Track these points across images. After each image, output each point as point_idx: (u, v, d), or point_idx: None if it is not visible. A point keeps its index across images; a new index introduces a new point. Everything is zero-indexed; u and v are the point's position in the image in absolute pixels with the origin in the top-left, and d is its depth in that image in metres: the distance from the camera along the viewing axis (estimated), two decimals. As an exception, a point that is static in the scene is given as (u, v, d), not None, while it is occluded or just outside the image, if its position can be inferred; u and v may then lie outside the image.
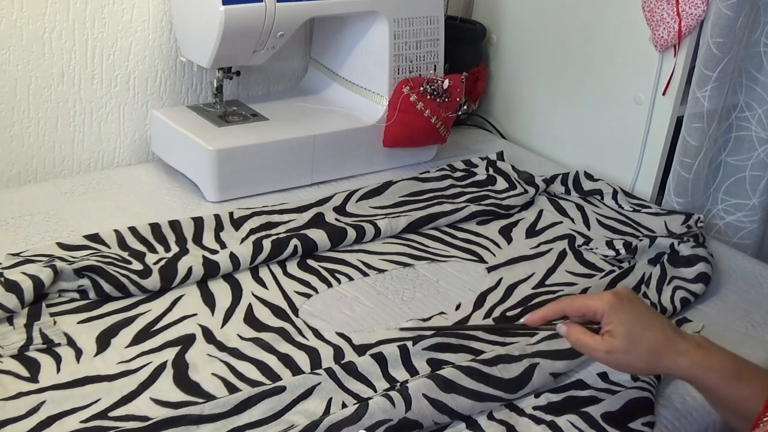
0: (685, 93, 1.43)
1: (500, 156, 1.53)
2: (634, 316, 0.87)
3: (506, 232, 1.33)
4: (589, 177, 1.48)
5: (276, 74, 1.56)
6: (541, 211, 1.40)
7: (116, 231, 1.16)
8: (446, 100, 1.45)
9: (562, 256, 1.28)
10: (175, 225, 1.20)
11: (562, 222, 1.38)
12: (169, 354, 0.97)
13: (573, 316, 0.90)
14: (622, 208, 1.43)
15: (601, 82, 1.54)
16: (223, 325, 1.04)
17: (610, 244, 1.29)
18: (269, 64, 1.49)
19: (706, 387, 0.88)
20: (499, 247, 1.29)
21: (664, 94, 1.44)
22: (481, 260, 1.25)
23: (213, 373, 0.95)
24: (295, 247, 1.18)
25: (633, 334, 0.86)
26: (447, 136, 1.50)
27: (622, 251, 1.27)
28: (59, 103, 1.35)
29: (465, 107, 1.51)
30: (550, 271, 1.24)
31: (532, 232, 1.34)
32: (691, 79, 1.40)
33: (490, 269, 1.23)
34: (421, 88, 1.43)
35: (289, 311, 1.08)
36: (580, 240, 1.32)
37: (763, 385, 0.86)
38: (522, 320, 0.95)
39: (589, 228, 1.37)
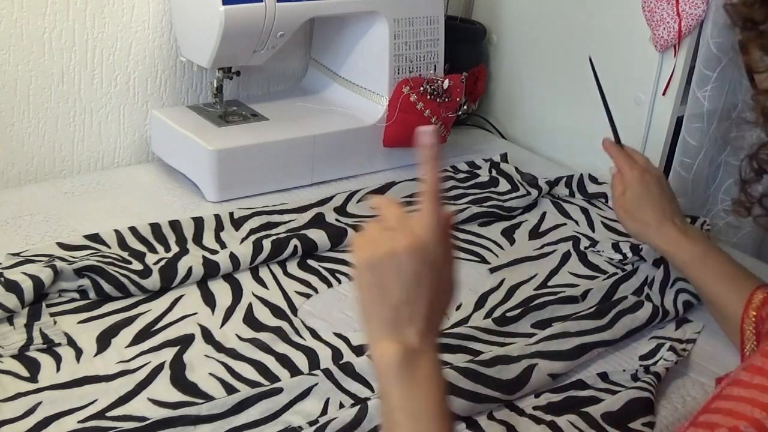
0: (685, 93, 1.43)
1: (504, 158, 1.53)
2: (645, 191, 1.14)
3: (509, 234, 1.33)
4: (594, 180, 1.48)
5: (276, 74, 1.57)
6: (544, 213, 1.40)
7: (116, 231, 1.16)
8: (446, 100, 1.45)
9: (565, 257, 1.28)
10: (175, 225, 1.20)
11: (565, 224, 1.38)
12: (168, 354, 0.97)
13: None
14: None
15: (601, 82, 1.53)
16: (222, 325, 1.04)
17: (616, 246, 1.29)
18: (269, 64, 1.49)
19: (676, 264, 1.12)
20: (502, 248, 1.29)
21: (664, 94, 1.44)
22: (484, 261, 1.25)
23: (210, 374, 0.95)
24: (295, 247, 1.18)
25: (636, 203, 1.14)
26: (447, 136, 1.50)
27: (629, 254, 1.27)
28: (59, 103, 1.35)
29: (465, 107, 1.51)
30: (553, 273, 1.24)
31: (535, 233, 1.34)
32: (691, 79, 1.40)
33: (492, 270, 1.23)
34: (421, 88, 1.43)
35: (288, 311, 1.08)
36: (583, 242, 1.32)
37: (723, 269, 1.06)
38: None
39: (593, 230, 1.37)
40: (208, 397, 0.91)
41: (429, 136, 0.72)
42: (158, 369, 0.95)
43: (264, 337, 1.02)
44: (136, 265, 1.10)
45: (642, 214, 1.14)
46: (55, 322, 0.99)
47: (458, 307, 1.13)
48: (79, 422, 0.86)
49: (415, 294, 0.69)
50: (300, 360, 0.99)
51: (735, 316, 1.01)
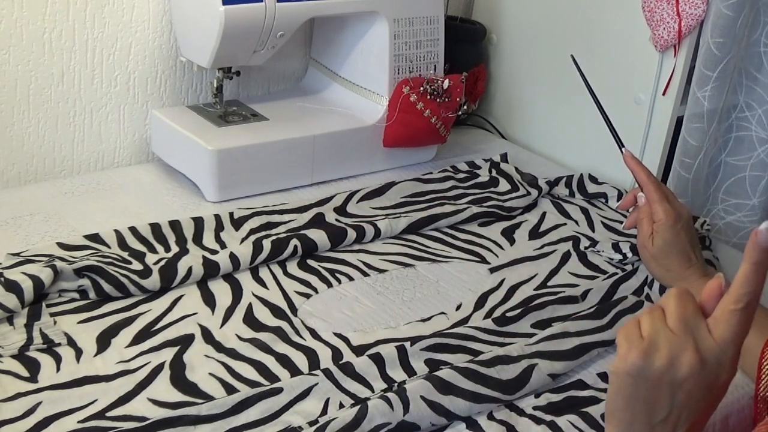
0: (685, 93, 1.43)
1: (504, 158, 1.53)
2: (676, 240, 1.11)
3: (509, 234, 1.33)
4: (594, 180, 1.48)
5: (276, 74, 1.57)
6: (544, 213, 1.40)
7: (116, 231, 1.16)
8: (446, 100, 1.45)
9: (565, 257, 1.28)
10: (175, 225, 1.20)
11: (565, 224, 1.37)
12: (168, 354, 0.97)
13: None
14: (627, 211, 1.43)
15: (601, 82, 1.53)
16: (222, 325, 1.04)
17: (616, 246, 1.29)
18: (269, 64, 1.49)
19: None
20: (502, 248, 1.29)
21: (664, 94, 1.44)
22: (483, 261, 1.25)
23: (210, 374, 0.95)
24: (295, 247, 1.18)
25: (665, 251, 1.11)
26: (447, 136, 1.50)
27: (629, 254, 1.27)
28: (59, 103, 1.35)
29: (465, 107, 1.51)
30: (553, 273, 1.24)
31: (535, 233, 1.34)
32: (691, 79, 1.40)
33: (492, 270, 1.23)
34: (421, 88, 1.43)
35: (288, 311, 1.08)
36: (584, 242, 1.32)
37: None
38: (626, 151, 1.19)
39: (593, 230, 1.37)
40: (208, 397, 0.91)
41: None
42: (158, 369, 0.95)
43: (264, 337, 1.02)
44: (136, 265, 1.10)
45: (668, 261, 1.13)
46: (55, 322, 0.99)
47: (458, 307, 1.13)
48: (79, 422, 0.86)
49: (682, 416, 0.59)
50: (300, 360, 0.99)
51: (754, 350, 0.89)
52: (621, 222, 1.39)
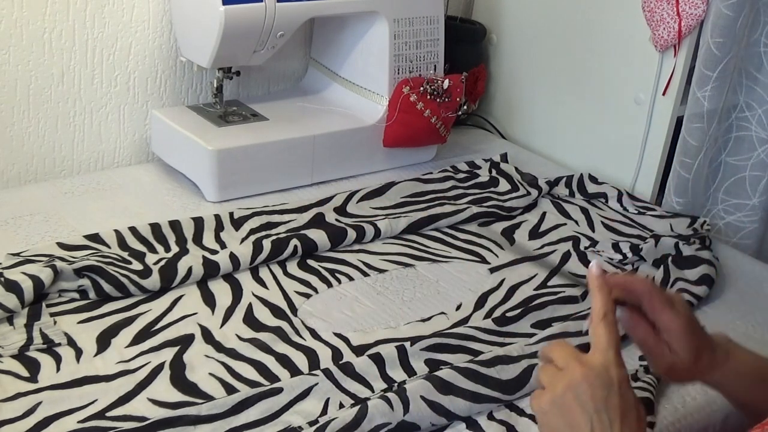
0: (685, 93, 1.43)
1: (504, 158, 1.53)
2: (697, 340, 0.82)
3: (509, 234, 1.33)
4: (594, 180, 1.48)
5: (276, 74, 1.57)
6: (544, 214, 1.40)
7: (116, 231, 1.16)
8: (446, 100, 1.45)
9: (565, 257, 1.28)
10: (175, 225, 1.20)
11: (565, 224, 1.37)
12: (168, 354, 0.97)
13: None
14: (627, 211, 1.43)
15: (601, 82, 1.54)
16: (222, 325, 1.04)
17: (616, 246, 1.29)
18: (269, 64, 1.49)
19: (732, 394, 0.86)
20: (502, 248, 1.29)
21: (664, 94, 1.44)
22: (483, 261, 1.25)
23: (210, 374, 0.95)
24: (295, 247, 1.18)
25: (692, 356, 0.82)
26: (447, 136, 1.50)
27: (629, 254, 1.27)
28: (59, 103, 1.35)
29: (465, 107, 1.51)
30: (553, 273, 1.24)
31: (535, 233, 1.34)
32: (691, 79, 1.40)
33: (492, 270, 1.23)
34: (421, 88, 1.43)
35: (288, 311, 1.08)
36: (583, 242, 1.32)
37: (755, 365, 0.85)
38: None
39: (593, 230, 1.36)
40: (208, 397, 0.91)
41: (597, 267, 0.74)
42: (158, 369, 0.95)
43: (264, 337, 1.02)
44: (136, 265, 1.10)
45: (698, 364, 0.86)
46: (55, 322, 0.99)
47: (458, 307, 1.13)
48: (79, 422, 0.86)
49: (604, 419, 0.67)
50: (300, 360, 0.99)
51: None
52: (620, 222, 1.39)
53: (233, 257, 1.14)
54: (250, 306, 1.08)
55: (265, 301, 1.09)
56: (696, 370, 0.83)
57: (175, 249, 1.17)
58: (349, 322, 1.08)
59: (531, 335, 1.05)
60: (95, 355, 0.96)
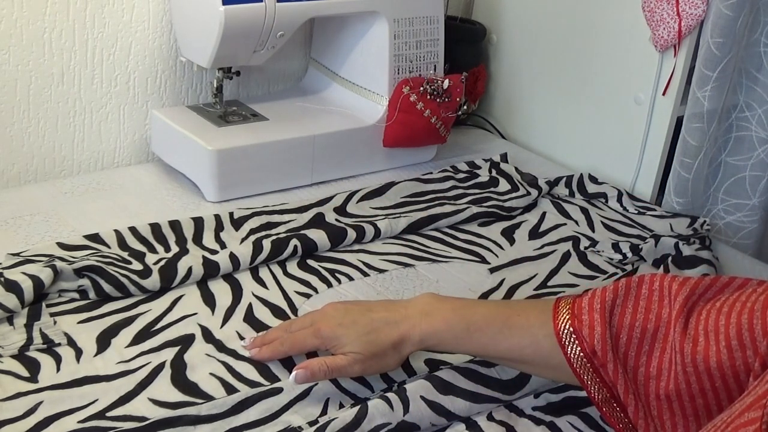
0: (685, 93, 1.43)
1: (504, 158, 1.53)
2: (352, 324, 0.91)
3: (509, 234, 1.33)
4: (594, 180, 1.48)
5: (276, 74, 1.57)
6: (544, 213, 1.40)
7: (116, 231, 1.16)
8: (446, 100, 1.45)
9: (565, 257, 1.28)
10: (175, 225, 1.20)
11: (565, 224, 1.38)
12: (168, 354, 0.97)
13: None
14: (627, 211, 1.43)
15: (601, 82, 1.54)
16: (222, 325, 1.04)
17: (616, 246, 1.29)
18: (269, 64, 1.49)
19: (445, 349, 0.94)
20: (502, 248, 1.29)
21: (664, 94, 1.44)
22: (483, 261, 1.25)
23: (211, 373, 0.95)
24: (295, 247, 1.18)
25: (363, 339, 0.90)
26: (447, 136, 1.50)
27: (629, 254, 1.27)
28: (59, 103, 1.35)
29: (465, 107, 1.51)
30: (553, 273, 1.24)
31: (535, 233, 1.34)
32: (691, 79, 1.40)
33: (492, 270, 1.23)
34: (421, 88, 1.43)
35: (288, 311, 1.08)
36: (583, 242, 1.32)
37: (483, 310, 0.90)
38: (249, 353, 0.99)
39: (593, 230, 1.37)
40: (208, 397, 0.91)
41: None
42: (158, 369, 0.95)
43: (264, 337, 1.02)
44: (136, 265, 1.10)
45: (379, 339, 0.91)
46: (55, 322, 0.99)
47: (458, 307, 1.13)
48: (79, 422, 0.86)
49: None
50: (300, 360, 0.99)
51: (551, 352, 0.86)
52: (620, 222, 1.39)
53: (233, 257, 1.14)
54: (250, 306, 1.08)
55: (265, 301, 1.09)
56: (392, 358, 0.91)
57: (175, 249, 1.17)
58: (349, 322, 1.07)
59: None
60: (95, 355, 0.96)
